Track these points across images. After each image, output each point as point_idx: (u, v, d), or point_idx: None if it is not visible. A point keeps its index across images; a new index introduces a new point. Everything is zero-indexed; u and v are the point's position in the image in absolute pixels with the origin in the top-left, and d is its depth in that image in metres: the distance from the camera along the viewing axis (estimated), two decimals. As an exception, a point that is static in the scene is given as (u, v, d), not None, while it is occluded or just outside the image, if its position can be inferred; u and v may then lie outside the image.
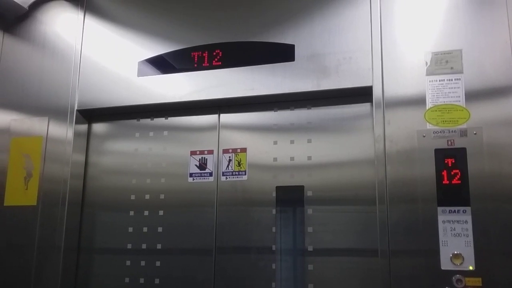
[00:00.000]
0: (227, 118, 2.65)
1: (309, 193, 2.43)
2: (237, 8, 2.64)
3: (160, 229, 2.63)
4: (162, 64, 2.70)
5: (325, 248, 2.36)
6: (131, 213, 2.70)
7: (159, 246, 2.62)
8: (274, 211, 2.47)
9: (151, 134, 2.77)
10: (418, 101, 2.22)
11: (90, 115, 2.85)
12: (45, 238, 2.66)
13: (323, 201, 2.40)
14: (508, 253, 2.00)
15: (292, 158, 2.50)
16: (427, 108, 2.20)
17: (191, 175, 2.64)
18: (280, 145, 2.53)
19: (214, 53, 2.61)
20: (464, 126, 2.14)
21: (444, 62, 2.22)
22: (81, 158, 2.81)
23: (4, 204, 2.77)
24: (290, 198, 2.47)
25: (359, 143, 2.39)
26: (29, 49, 2.94)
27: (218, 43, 2.62)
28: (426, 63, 2.25)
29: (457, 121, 2.15)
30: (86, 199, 2.79)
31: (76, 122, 2.77)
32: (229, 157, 2.59)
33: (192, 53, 2.65)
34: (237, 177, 2.56)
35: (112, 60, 2.79)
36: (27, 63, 2.92)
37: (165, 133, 2.75)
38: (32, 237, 2.67)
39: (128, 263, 2.65)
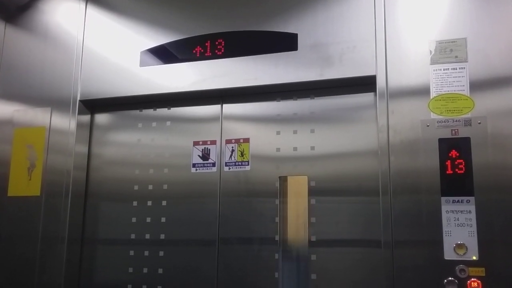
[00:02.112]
0: (230, 108, 2.64)
1: (312, 184, 2.42)
2: (240, -3, 2.63)
3: (163, 220, 2.64)
4: (164, 54, 2.69)
5: (328, 238, 2.35)
6: (135, 203, 2.70)
7: (162, 236, 2.62)
8: (277, 202, 2.46)
9: (153, 124, 2.76)
10: (422, 90, 2.20)
11: (92, 105, 2.84)
12: (48, 228, 2.67)
13: (326, 191, 2.40)
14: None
15: (295, 149, 2.49)
16: (431, 97, 2.18)
17: (194, 165, 2.63)
18: (283, 135, 2.52)
19: (217, 43, 2.59)
20: (468, 115, 2.12)
21: (448, 51, 2.20)
22: (84, 149, 2.80)
23: (8, 195, 2.77)
24: (293, 188, 2.46)
25: (363, 133, 2.38)
26: (31, 39, 2.93)
27: (221, 33, 2.60)
28: (430, 51, 2.23)
29: (461, 110, 2.13)
30: (89, 190, 2.80)
31: (79, 113, 2.76)
32: (232, 147, 2.58)
33: (194, 43, 2.63)
34: (240, 168, 2.55)
35: (114, 50, 2.78)
36: (29, 54, 2.91)
37: (168, 123, 2.74)
38: (36, 228, 2.68)
39: (131, 253, 2.66)
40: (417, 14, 2.28)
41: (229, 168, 2.57)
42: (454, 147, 2.11)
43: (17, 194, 2.76)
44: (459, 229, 2.05)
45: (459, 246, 2.03)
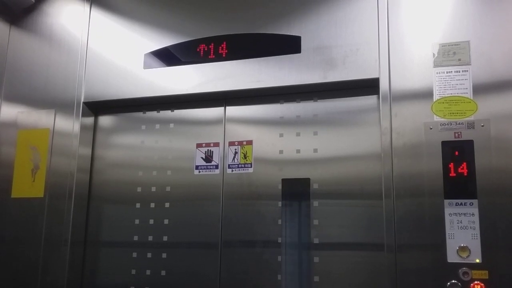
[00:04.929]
0: (233, 110, 2.65)
1: (315, 186, 2.42)
2: (243, -1, 2.64)
3: (166, 222, 2.64)
4: (168, 57, 2.69)
5: (331, 241, 2.35)
6: (138, 205, 2.71)
7: (165, 238, 2.62)
8: (280, 204, 2.46)
9: (157, 126, 2.77)
10: (425, 93, 2.20)
11: (96, 107, 2.85)
12: (52, 230, 2.67)
13: (329, 194, 2.39)
14: (515, 246, 1.99)
15: (298, 151, 2.49)
16: (434, 100, 2.18)
17: (197, 167, 2.64)
18: (286, 137, 2.52)
19: (220, 45, 2.59)
20: (471, 118, 2.12)
21: (451, 54, 2.20)
22: (88, 151, 2.81)
23: (12, 196, 2.78)
24: (296, 191, 2.46)
25: (366, 135, 2.38)
26: (36, 41, 2.94)
27: (224, 35, 2.61)
28: (434, 54, 2.23)
29: (465, 113, 2.13)
30: (92, 192, 2.80)
31: (83, 115, 2.77)
32: (235, 149, 2.59)
33: (198, 45, 2.64)
34: (243, 170, 2.55)
35: (118, 52, 2.79)
36: (34, 56, 2.92)
37: (171, 125, 2.75)
38: (39, 230, 2.69)
39: (134, 255, 2.66)
40: (420, 17, 2.29)
41: (232, 170, 2.57)
42: (457, 150, 2.10)
43: (21, 195, 2.77)
44: (462, 232, 2.04)
45: (462, 249, 2.03)
